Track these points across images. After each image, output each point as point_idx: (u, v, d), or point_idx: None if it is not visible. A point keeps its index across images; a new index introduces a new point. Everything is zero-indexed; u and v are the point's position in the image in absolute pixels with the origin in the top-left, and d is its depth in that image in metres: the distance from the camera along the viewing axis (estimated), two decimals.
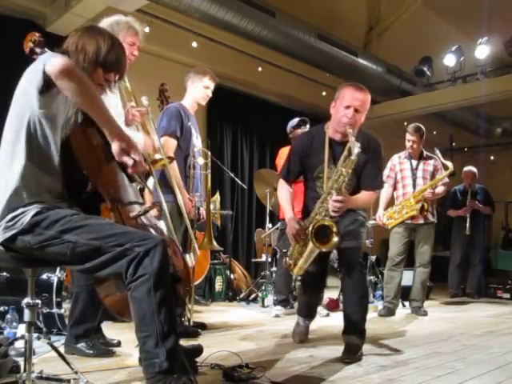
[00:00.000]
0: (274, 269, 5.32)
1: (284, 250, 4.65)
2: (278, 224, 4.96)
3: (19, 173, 1.77)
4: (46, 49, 2.00)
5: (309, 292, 3.20)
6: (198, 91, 3.56)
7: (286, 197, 3.03)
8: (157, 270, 1.70)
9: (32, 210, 1.76)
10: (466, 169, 6.55)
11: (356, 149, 2.60)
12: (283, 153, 4.79)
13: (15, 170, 1.78)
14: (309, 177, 2.99)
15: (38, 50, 2.02)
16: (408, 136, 4.76)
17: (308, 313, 3.23)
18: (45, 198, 1.80)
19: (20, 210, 1.76)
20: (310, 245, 2.67)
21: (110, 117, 1.80)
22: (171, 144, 3.38)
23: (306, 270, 2.93)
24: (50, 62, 1.71)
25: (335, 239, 2.62)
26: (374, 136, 3.01)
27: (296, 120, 4.72)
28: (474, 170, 6.51)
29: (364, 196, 2.90)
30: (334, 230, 2.62)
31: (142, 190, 2.18)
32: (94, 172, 1.93)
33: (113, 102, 2.80)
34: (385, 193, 4.90)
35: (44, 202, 1.78)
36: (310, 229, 2.66)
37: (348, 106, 2.76)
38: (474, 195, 6.38)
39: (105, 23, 2.74)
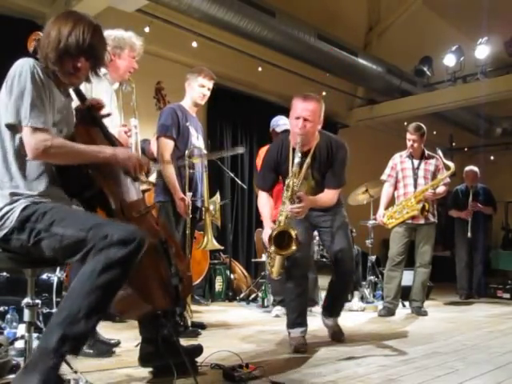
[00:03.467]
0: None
1: None
2: None
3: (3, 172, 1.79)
4: None
5: (296, 293, 3.07)
6: (194, 91, 3.57)
7: (264, 204, 3.17)
8: (114, 259, 1.64)
9: (19, 205, 1.76)
10: (467, 169, 6.53)
11: (296, 159, 2.86)
12: (263, 153, 4.76)
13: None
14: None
15: None
16: (408, 135, 4.76)
17: (300, 320, 3.07)
18: (30, 193, 1.79)
19: (6, 208, 1.76)
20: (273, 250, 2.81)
21: (100, 150, 1.90)
22: (167, 145, 3.39)
23: (284, 272, 3.02)
24: (26, 140, 1.74)
25: (293, 247, 2.74)
26: (337, 138, 3.26)
27: (283, 126, 4.67)
28: (476, 169, 6.49)
29: (326, 195, 3.08)
30: (293, 235, 2.74)
31: (144, 192, 2.20)
32: (97, 171, 1.93)
33: (107, 90, 2.88)
34: (386, 192, 4.90)
35: (30, 197, 1.78)
36: (270, 236, 2.78)
37: (298, 117, 2.94)
38: (475, 195, 6.37)
39: (109, 36, 2.78)
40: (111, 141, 2.08)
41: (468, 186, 6.45)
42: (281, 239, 2.78)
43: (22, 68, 1.79)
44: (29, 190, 1.79)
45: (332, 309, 3.33)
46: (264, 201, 3.18)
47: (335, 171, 3.09)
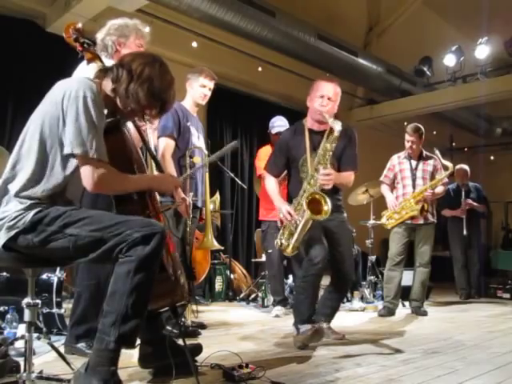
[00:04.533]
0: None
1: (269, 251, 4.63)
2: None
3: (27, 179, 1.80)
4: (87, 40, 1.98)
5: (311, 291, 3.06)
6: (195, 91, 3.57)
7: (273, 187, 3.23)
8: (144, 256, 1.73)
9: (34, 210, 1.78)
10: (457, 167, 6.50)
11: (337, 126, 2.94)
12: (262, 153, 4.77)
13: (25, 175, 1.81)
14: (293, 168, 3.23)
15: (82, 39, 2.01)
16: (407, 136, 4.76)
17: (311, 317, 3.07)
18: (48, 201, 1.81)
19: (21, 211, 1.77)
20: (306, 215, 2.85)
21: (148, 180, 2.02)
22: (168, 145, 3.39)
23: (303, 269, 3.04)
24: (88, 172, 1.76)
25: (326, 207, 2.85)
26: (349, 125, 3.40)
27: (277, 127, 4.64)
28: (466, 167, 6.49)
29: (345, 175, 3.19)
30: (324, 200, 2.87)
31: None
32: (135, 166, 2.01)
33: None
34: (386, 190, 4.90)
35: (45, 204, 1.80)
36: (304, 201, 2.87)
37: (322, 96, 3.10)
38: (467, 194, 6.36)
39: (112, 25, 2.74)
40: (142, 136, 2.20)
41: (459, 184, 6.44)
42: (311, 206, 2.87)
43: (86, 94, 1.77)
44: (48, 199, 1.81)
45: (329, 313, 3.34)
46: (273, 185, 3.23)
47: (351, 153, 3.22)
